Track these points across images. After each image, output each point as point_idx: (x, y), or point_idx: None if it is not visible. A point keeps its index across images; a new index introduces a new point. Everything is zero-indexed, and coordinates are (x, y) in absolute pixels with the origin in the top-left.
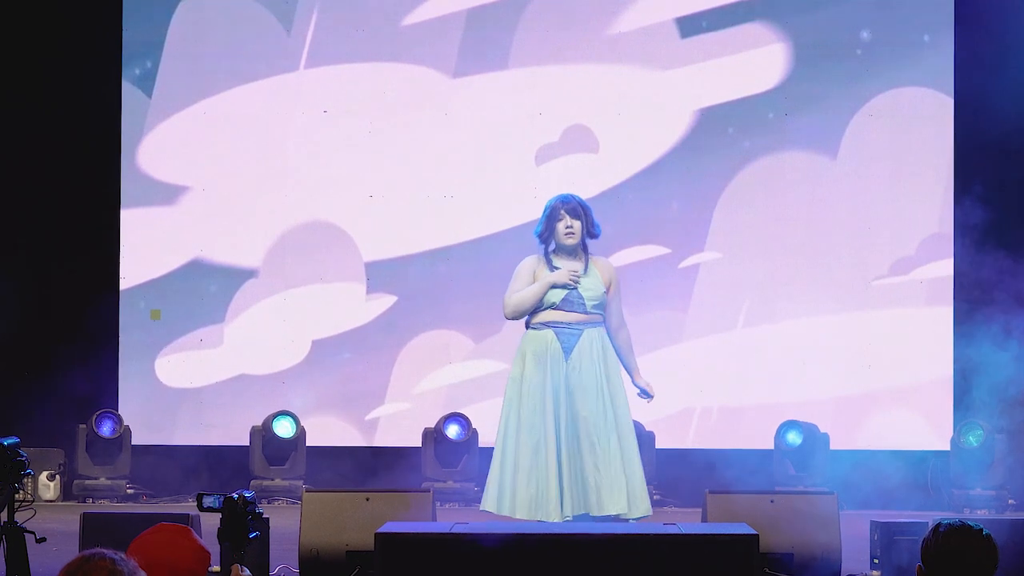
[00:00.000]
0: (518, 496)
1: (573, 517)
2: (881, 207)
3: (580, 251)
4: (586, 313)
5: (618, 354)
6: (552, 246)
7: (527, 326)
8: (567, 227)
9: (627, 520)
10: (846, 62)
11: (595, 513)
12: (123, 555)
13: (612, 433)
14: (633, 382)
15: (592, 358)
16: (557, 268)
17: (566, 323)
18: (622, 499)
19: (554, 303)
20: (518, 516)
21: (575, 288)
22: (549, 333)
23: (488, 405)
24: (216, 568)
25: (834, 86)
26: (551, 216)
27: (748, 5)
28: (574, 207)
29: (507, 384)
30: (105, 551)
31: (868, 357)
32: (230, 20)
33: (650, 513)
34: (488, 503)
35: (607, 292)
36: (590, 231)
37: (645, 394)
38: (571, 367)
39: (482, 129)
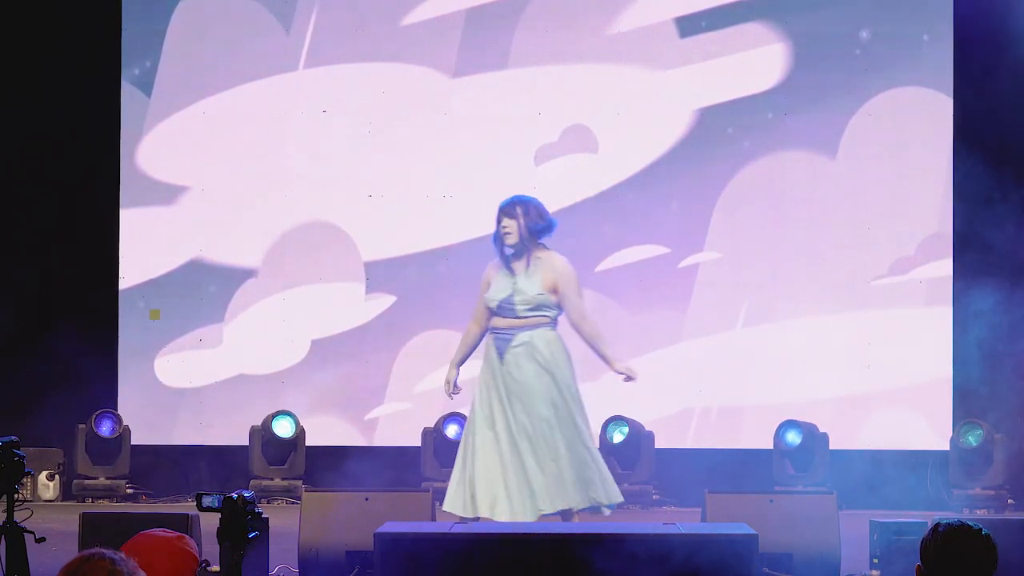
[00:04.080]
0: (477, 498)
1: (537, 517)
2: (880, 207)
3: (523, 251)
4: (518, 318)
5: (591, 346)
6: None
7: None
8: (502, 228)
9: (600, 509)
10: (845, 62)
11: (548, 510)
12: (123, 555)
13: (557, 431)
14: (613, 370)
15: (531, 359)
16: (513, 270)
17: (501, 328)
18: (572, 494)
19: (493, 309)
20: (481, 515)
21: (453, 387)
22: (490, 338)
23: None
24: (215, 568)
25: (833, 86)
26: (496, 220)
27: (747, 5)
28: (507, 208)
29: None
30: (104, 551)
31: (867, 357)
32: (229, 20)
33: (619, 500)
34: (447, 503)
35: (550, 293)
36: (531, 229)
37: (628, 379)
38: (505, 371)
39: (481, 129)
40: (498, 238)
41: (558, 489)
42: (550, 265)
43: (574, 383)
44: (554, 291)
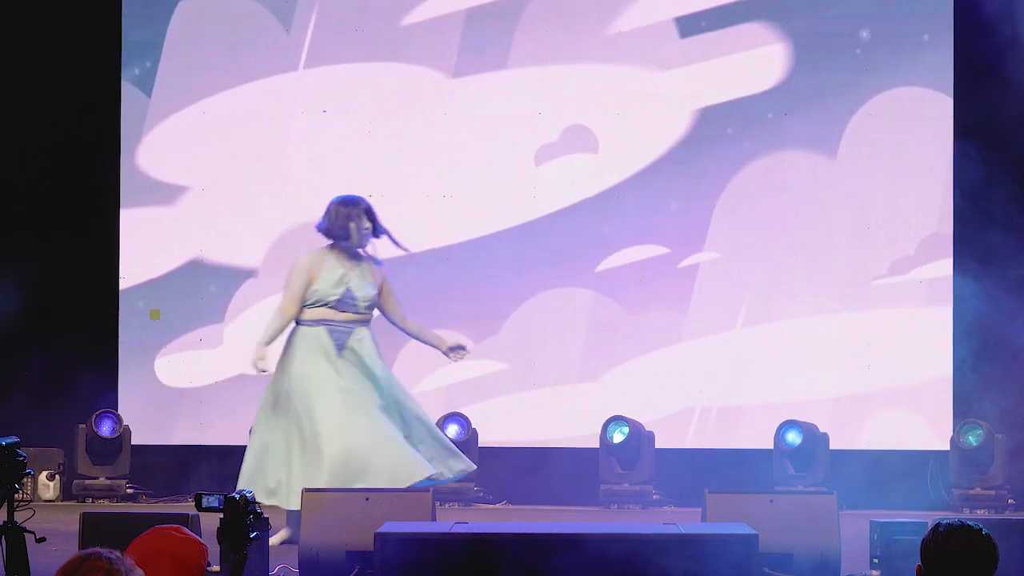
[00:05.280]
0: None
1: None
2: (880, 207)
3: (364, 251)
4: (358, 313)
5: (419, 338)
6: (344, 242)
7: (297, 322)
8: (364, 227)
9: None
10: (845, 61)
11: (417, 479)
12: (119, 553)
13: (396, 415)
14: (445, 352)
15: (371, 351)
16: (345, 267)
17: (338, 322)
18: (425, 466)
19: (329, 302)
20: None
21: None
22: (322, 330)
23: (488, 405)
24: (216, 568)
25: (833, 86)
26: (347, 216)
27: (747, 5)
28: (369, 210)
29: (278, 382)
30: (101, 550)
31: (868, 357)
32: (229, 20)
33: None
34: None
35: (379, 294)
36: (376, 233)
37: (460, 348)
38: (342, 362)
39: (481, 129)
40: (343, 231)
41: (418, 462)
42: (376, 268)
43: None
44: (379, 292)
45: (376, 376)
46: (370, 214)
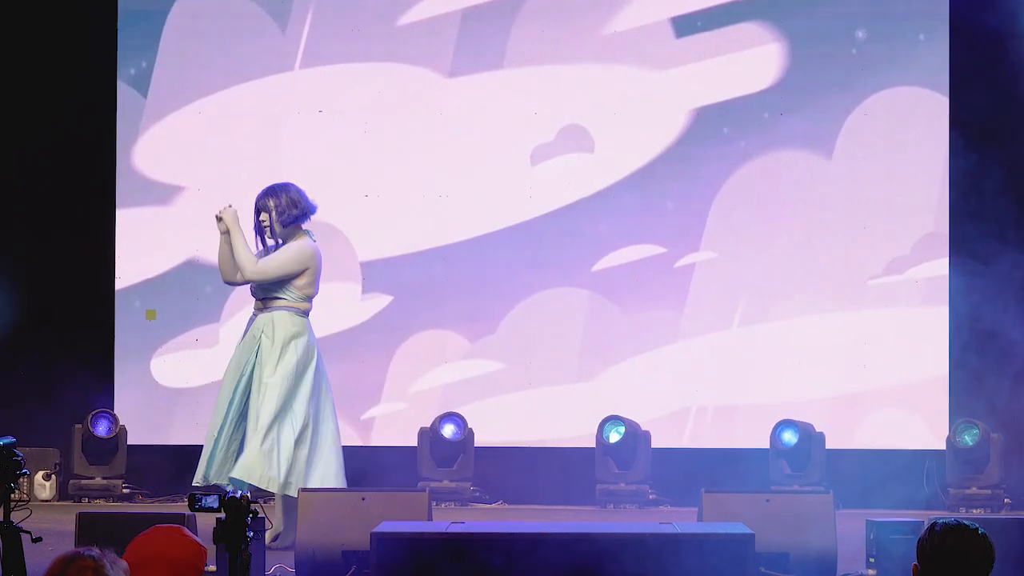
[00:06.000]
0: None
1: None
2: (876, 206)
3: (285, 238)
4: (257, 299)
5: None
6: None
7: None
8: (261, 222)
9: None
10: (841, 61)
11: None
12: (99, 550)
13: (261, 408)
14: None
15: (253, 339)
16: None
17: (254, 310)
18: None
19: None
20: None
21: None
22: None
23: (484, 404)
24: (212, 568)
25: (829, 85)
26: (255, 213)
27: (743, 5)
28: (261, 201)
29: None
30: (82, 550)
31: (864, 356)
32: (225, 20)
33: (264, 485)
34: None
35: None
36: (282, 221)
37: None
38: (240, 349)
39: (477, 129)
40: (260, 230)
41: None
42: (288, 246)
43: (298, 367)
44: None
45: (242, 367)
46: (262, 207)
